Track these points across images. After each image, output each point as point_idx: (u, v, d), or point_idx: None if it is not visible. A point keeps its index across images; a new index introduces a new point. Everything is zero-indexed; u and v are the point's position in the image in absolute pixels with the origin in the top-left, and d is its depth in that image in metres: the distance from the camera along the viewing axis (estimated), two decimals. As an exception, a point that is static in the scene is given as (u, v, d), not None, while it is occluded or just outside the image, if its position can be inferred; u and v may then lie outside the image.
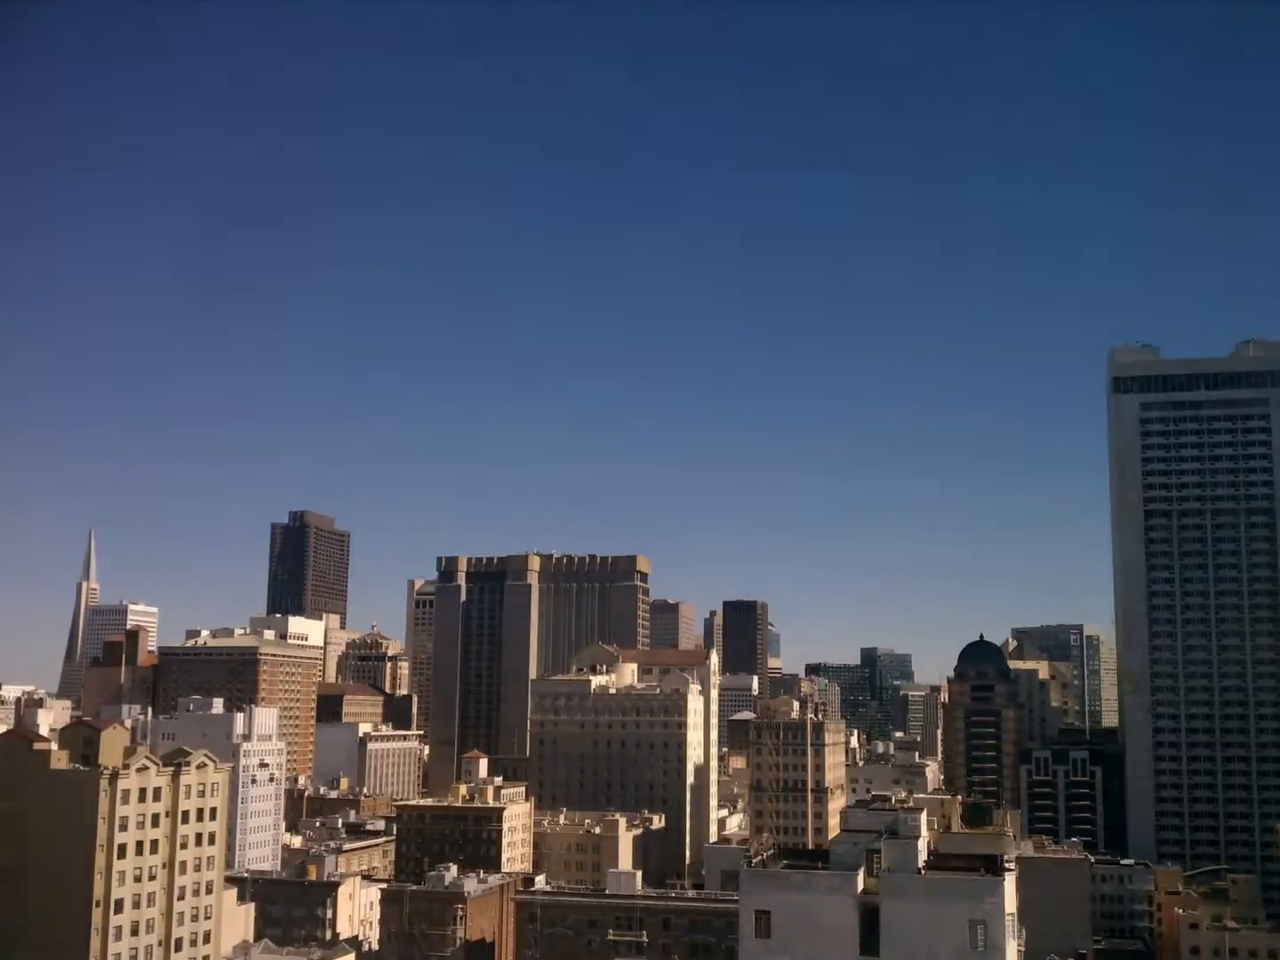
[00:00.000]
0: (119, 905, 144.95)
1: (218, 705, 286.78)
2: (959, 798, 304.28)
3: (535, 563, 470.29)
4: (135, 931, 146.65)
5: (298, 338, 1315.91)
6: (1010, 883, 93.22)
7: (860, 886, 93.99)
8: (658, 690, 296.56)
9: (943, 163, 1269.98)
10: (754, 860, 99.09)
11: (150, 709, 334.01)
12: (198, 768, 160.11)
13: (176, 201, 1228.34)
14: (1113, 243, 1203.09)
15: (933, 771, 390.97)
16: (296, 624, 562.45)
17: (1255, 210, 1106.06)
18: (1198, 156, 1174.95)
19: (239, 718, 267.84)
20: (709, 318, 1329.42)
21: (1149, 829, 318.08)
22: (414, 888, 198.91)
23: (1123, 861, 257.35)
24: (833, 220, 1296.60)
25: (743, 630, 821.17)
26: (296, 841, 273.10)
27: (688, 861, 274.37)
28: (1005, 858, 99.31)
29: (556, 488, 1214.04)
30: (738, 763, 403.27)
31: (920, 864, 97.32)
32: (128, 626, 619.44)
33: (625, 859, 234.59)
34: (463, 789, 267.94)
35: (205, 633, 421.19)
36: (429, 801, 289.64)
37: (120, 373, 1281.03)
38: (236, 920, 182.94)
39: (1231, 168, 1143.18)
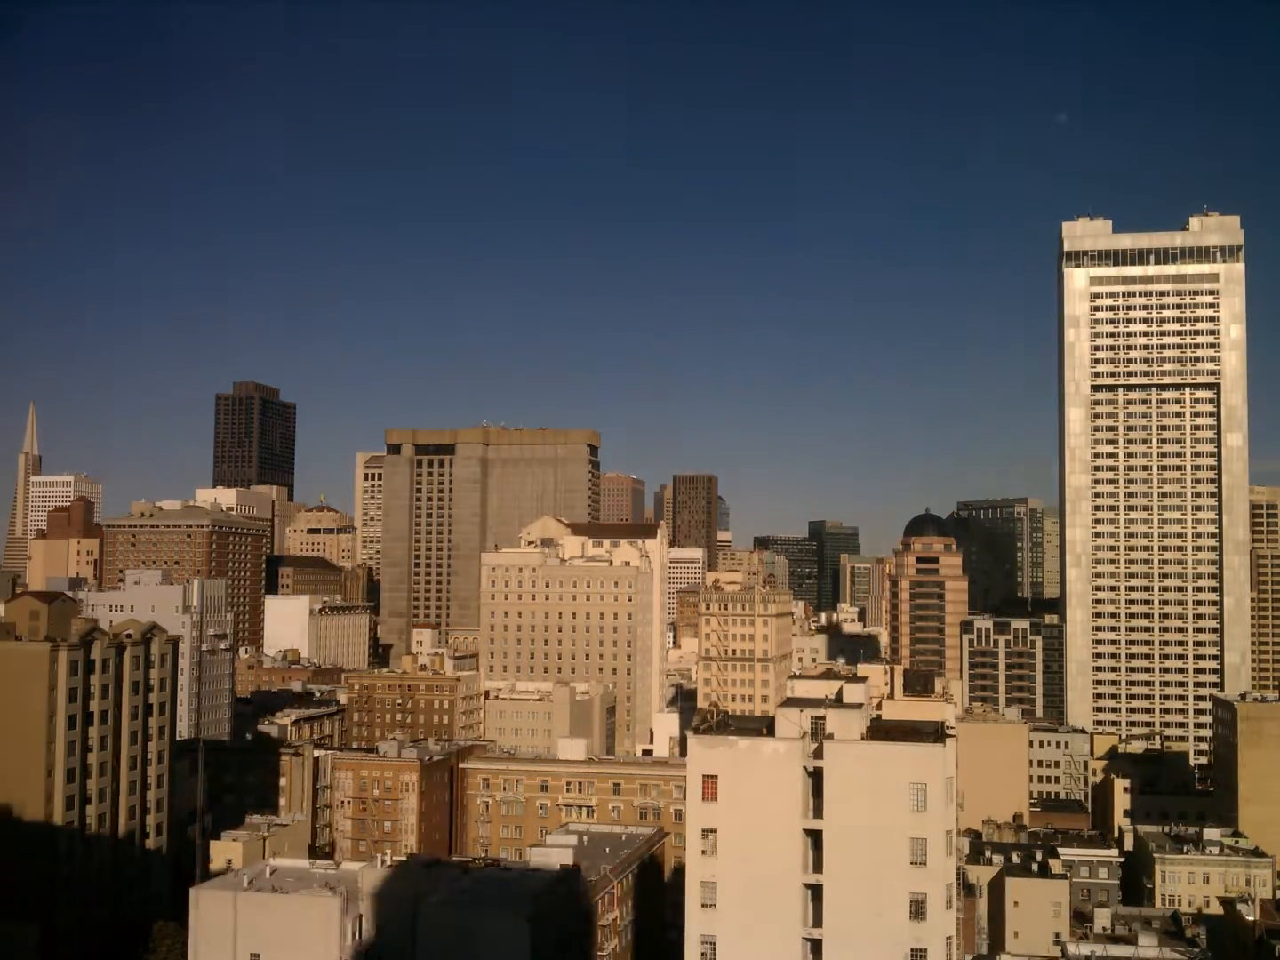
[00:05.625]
0: (70, 774, 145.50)
1: (166, 577, 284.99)
2: (903, 667, 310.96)
3: (485, 436, 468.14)
4: (88, 800, 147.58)
5: (237, 202, 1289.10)
6: (950, 748, 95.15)
7: (805, 752, 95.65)
8: (608, 563, 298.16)
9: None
10: (701, 727, 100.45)
11: (98, 581, 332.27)
12: (147, 639, 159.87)
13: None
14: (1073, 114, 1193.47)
15: (880, 641, 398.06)
16: (243, 495, 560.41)
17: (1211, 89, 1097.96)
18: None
19: (188, 589, 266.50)
20: (652, 185, 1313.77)
21: (1086, 699, 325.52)
22: (367, 756, 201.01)
23: (1060, 729, 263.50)
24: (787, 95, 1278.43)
25: (694, 503, 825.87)
26: (248, 712, 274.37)
27: (638, 729, 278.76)
28: (946, 724, 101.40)
29: (505, 362, 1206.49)
30: (687, 633, 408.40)
31: (863, 730, 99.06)
32: (72, 499, 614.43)
33: (576, 726, 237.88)
34: (414, 660, 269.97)
35: (150, 504, 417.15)
36: (381, 672, 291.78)
37: (60, 240, 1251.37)
38: (190, 789, 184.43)
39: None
